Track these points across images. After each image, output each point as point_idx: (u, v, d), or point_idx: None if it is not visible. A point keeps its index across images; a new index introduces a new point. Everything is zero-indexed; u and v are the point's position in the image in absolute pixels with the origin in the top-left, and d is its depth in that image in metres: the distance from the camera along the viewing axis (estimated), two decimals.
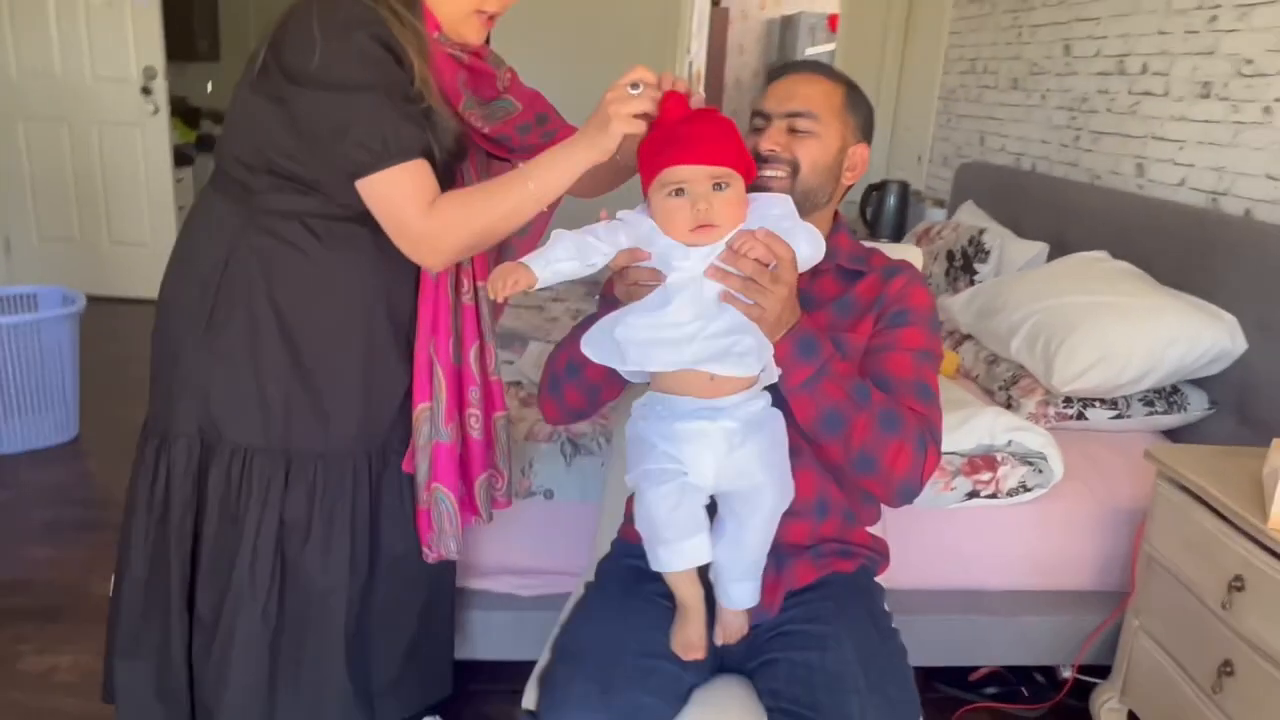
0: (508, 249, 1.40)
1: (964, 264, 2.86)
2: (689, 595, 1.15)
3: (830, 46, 7.19)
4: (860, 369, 1.22)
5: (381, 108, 1.13)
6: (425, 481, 1.35)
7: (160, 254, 4.50)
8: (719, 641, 1.19)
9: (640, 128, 1.09)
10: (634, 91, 1.07)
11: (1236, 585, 1.41)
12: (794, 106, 1.24)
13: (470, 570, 1.73)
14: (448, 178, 1.26)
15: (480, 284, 1.35)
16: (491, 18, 1.26)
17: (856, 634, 1.18)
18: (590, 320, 1.27)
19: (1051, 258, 2.68)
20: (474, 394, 1.36)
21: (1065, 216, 2.75)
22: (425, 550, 1.39)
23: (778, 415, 1.15)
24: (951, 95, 4.01)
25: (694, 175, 1.06)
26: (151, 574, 1.31)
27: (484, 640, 1.75)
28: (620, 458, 1.60)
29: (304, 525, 1.30)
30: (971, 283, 2.79)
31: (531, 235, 1.40)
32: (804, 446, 1.20)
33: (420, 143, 1.17)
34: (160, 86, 4.44)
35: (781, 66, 1.33)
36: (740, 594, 1.17)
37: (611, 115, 1.08)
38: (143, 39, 4.39)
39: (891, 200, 3.83)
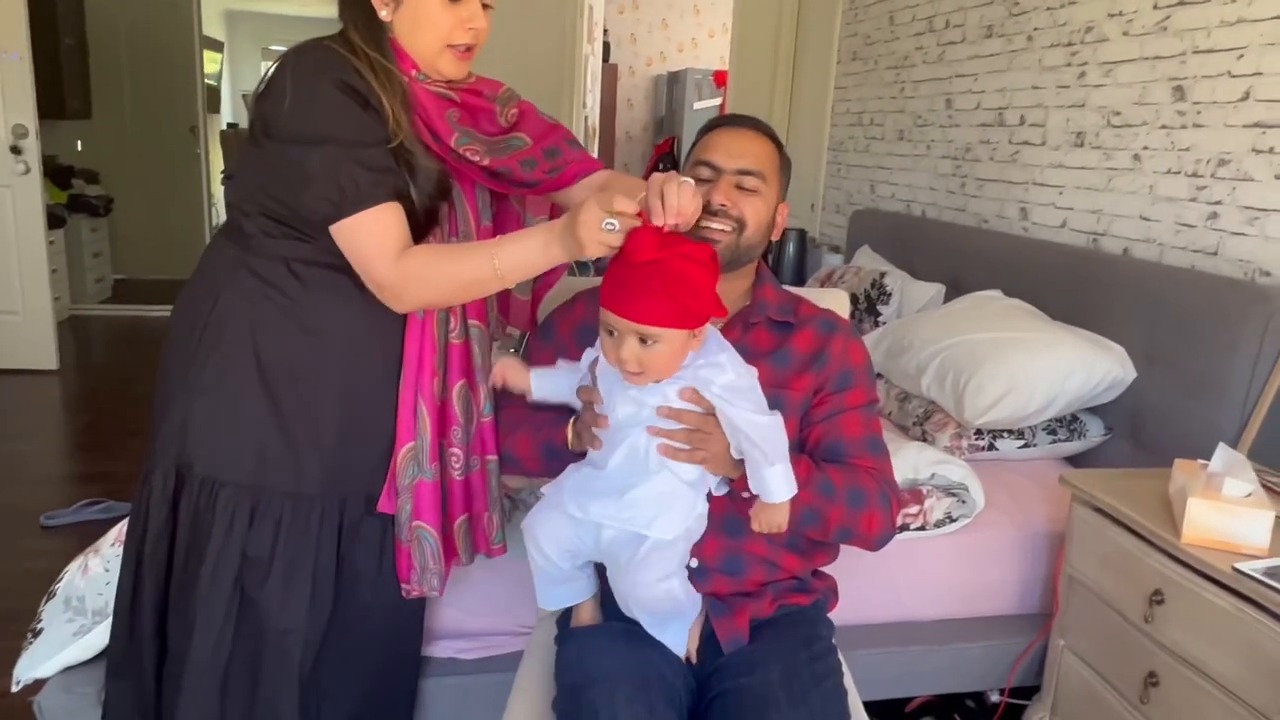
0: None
1: (868, 306, 2.98)
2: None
3: (716, 101, 7.45)
4: (810, 431, 1.29)
5: (339, 158, 1.15)
6: (408, 521, 1.33)
7: (34, 322, 4.36)
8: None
9: (611, 253, 1.10)
10: (608, 227, 1.07)
11: (1156, 599, 1.49)
12: (745, 164, 1.28)
13: None
14: (429, 217, 1.28)
15: (472, 322, 1.35)
16: (468, 50, 1.27)
17: (786, 657, 1.22)
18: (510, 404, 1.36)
19: (948, 297, 2.83)
20: (456, 433, 1.35)
21: (958, 258, 2.91)
22: (405, 588, 1.37)
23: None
24: (840, 146, 4.20)
25: (622, 326, 1.08)
26: (133, 599, 1.33)
27: (432, 710, 1.68)
28: None
29: (266, 563, 1.27)
30: (876, 324, 2.91)
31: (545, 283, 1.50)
32: None
33: (385, 188, 1.18)
34: (32, 145, 4.21)
35: (726, 119, 1.37)
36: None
37: (585, 241, 1.09)
38: (12, 96, 4.16)
39: (791, 248, 3.97)
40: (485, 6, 1.27)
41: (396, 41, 1.24)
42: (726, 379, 1.12)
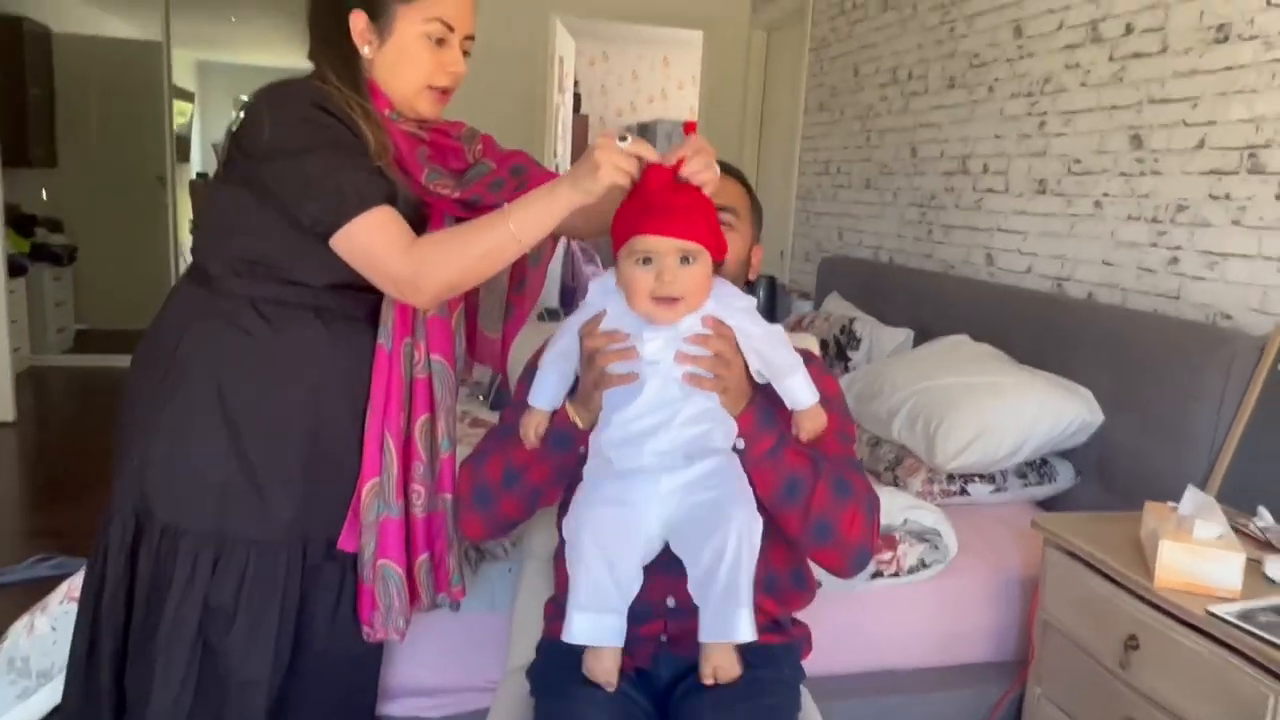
0: (508, 313, 1.48)
1: (838, 351, 2.99)
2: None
3: None
4: None
5: (334, 164, 1.16)
6: (371, 559, 1.30)
7: None
8: (706, 681, 1.13)
9: (626, 180, 1.10)
10: (622, 144, 1.08)
11: (1132, 644, 1.48)
12: (720, 201, 1.28)
13: None
14: None
15: (435, 357, 1.33)
16: (445, 91, 1.30)
17: (726, 687, 1.16)
18: (499, 430, 1.30)
19: (917, 342, 2.84)
20: (419, 469, 1.33)
21: (925, 304, 2.94)
22: (366, 630, 1.33)
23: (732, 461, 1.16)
24: (809, 195, 4.25)
25: (663, 247, 1.09)
26: (89, 650, 1.28)
27: None
28: (533, 560, 1.55)
29: (229, 613, 1.24)
30: (846, 369, 2.92)
31: (531, 290, 1.48)
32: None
33: (381, 190, 1.19)
34: None
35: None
36: (719, 622, 1.09)
37: (601, 161, 1.08)
38: None
39: (761, 294, 3.99)
40: (464, 51, 1.30)
41: (373, 80, 1.27)
42: (744, 303, 1.16)
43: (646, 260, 1.10)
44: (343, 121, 1.20)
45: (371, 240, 1.18)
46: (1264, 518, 1.65)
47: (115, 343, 5.76)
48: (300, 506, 1.27)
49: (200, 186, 8.14)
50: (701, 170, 1.10)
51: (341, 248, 1.19)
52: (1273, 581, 1.46)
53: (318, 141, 1.17)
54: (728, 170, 1.36)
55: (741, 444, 1.16)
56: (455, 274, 1.20)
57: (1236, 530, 1.57)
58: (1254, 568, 1.46)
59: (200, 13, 6.81)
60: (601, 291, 1.19)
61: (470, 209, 1.33)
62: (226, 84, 10.02)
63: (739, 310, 1.16)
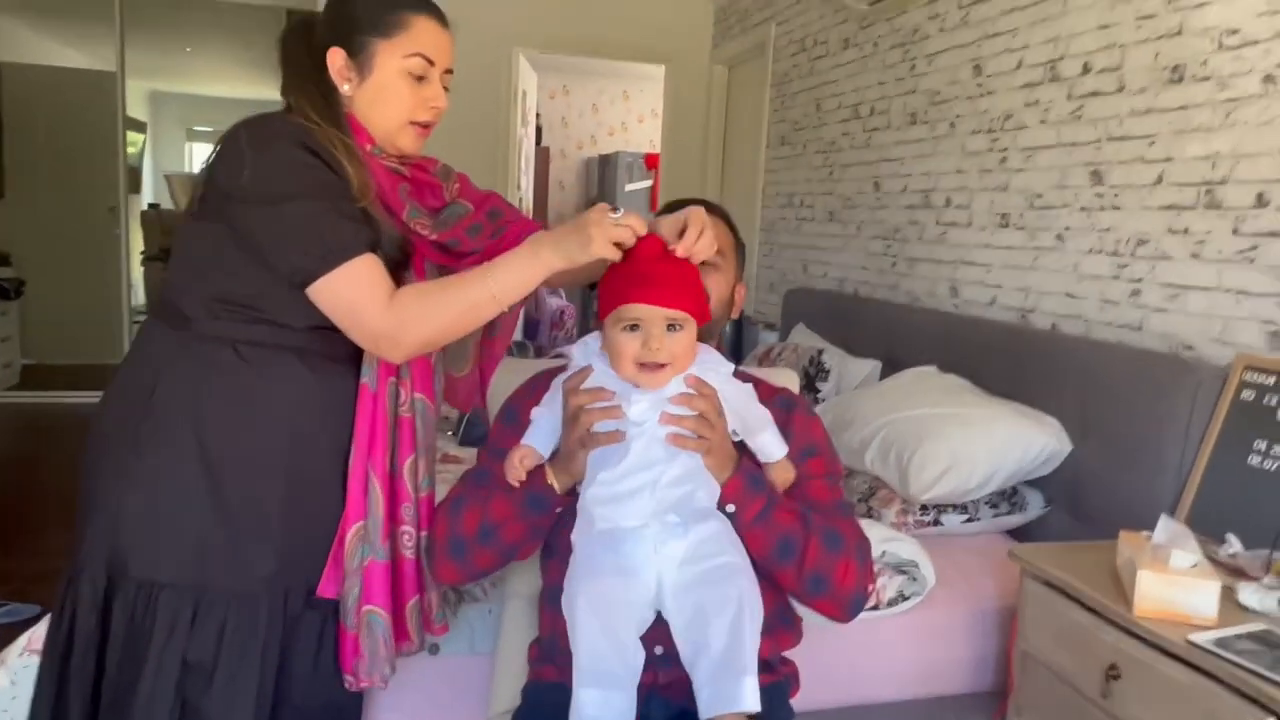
0: (464, 357, 1.45)
1: (807, 383, 3.00)
2: None
3: (648, 183, 7.59)
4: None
5: (316, 212, 1.14)
6: (355, 605, 1.26)
7: None
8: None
9: (617, 255, 1.12)
10: (614, 216, 1.10)
11: (1113, 674, 1.49)
12: None
13: None
14: (395, 282, 1.25)
15: (417, 395, 1.31)
16: (426, 126, 1.29)
17: None
18: (477, 477, 1.29)
19: (884, 373, 2.87)
20: (408, 510, 1.30)
21: (891, 335, 2.97)
22: (348, 679, 1.28)
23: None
24: (772, 227, 4.30)
25: (652, 315, 1.11)
26: (54, 716, 1.22)
27: None
28: (515, 600, 1.52)
29: (209, 668, 1.19)
30: (816, 400, 2.93)
31: (503, 334, 1.47)
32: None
33: (364, 238, 1.17)
34: None
35: (682, 201, 1.38)
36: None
37: (594, 236, 1.10)
38: None
39: (728, 325, 4.01)
40: (444, 86, 1.29)
41: (353, 116, 1.25)
42: (726, 368, 1.20)
43: (634, 327, 1.12)
44: (326, 162, 1.17)
45: (353, 292, 1.16)
46: (1233, 544, 1.68)
47: (64, 378, 5.60)
48: (281, 554, 1.24)
49: (152, 217, 8.00)
50: (703, 250, 1.15)
51: (321, 298, 1.17)
52: (1246, 608, 1.49)
53: (300, 187, 1.15)
54: (713, 210, 1.37)
55: (732, 508, 1.16)
56: (434, 331, 1.20)
57: (1209, 558, 1.60)
58: (1227, 594, 1.48)
59: (155, 43, 6.74)
60: (584, 354, 1.21)
61: (446, 252, 1.32)
62: (179, 114, 9.90)
63: (721, 375, 1.18)
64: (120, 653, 1.20)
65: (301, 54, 1.26)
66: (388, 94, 1.25)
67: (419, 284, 1.24)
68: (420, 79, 1.26)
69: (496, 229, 1.37)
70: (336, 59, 1.24)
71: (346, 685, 1.29)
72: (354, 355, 1.28)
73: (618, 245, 1.11)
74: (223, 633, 1.20)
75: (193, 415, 1.20)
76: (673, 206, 1.39)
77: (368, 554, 1.26)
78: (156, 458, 1.20)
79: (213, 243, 1.20)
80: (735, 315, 1.39)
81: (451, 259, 1.34)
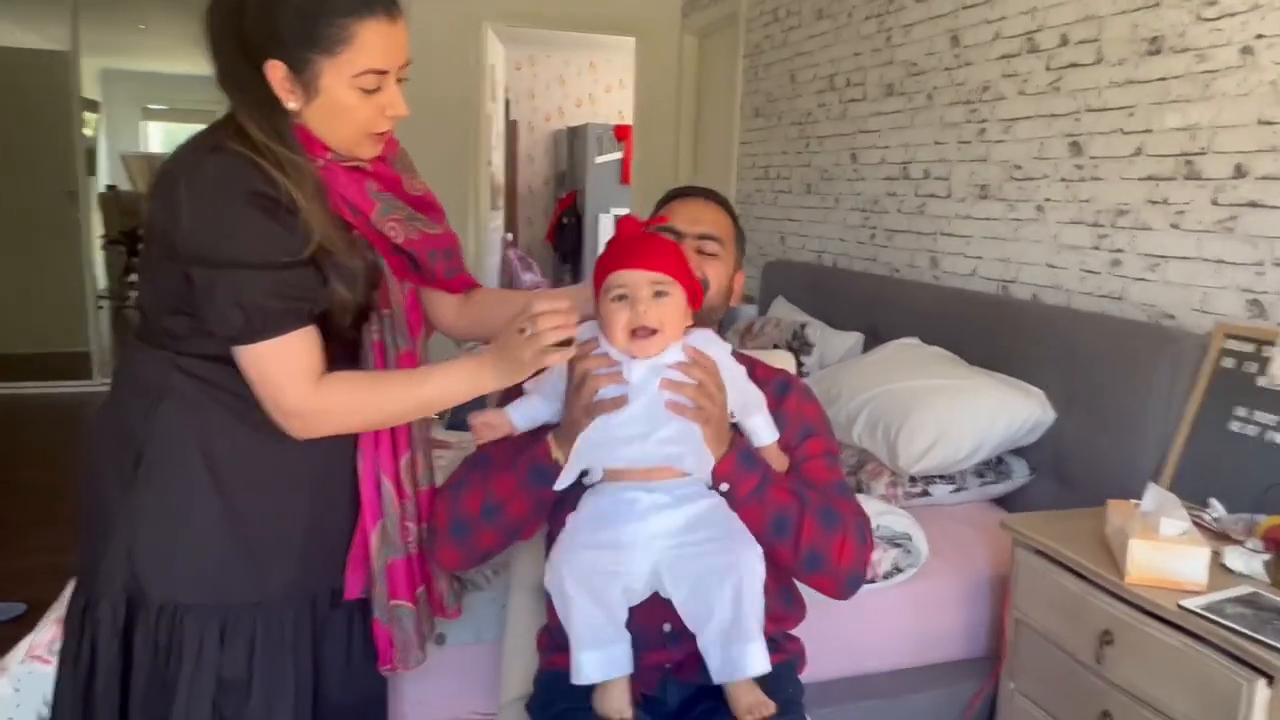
0: None
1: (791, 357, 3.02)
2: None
3: (618, 155, 7.55)
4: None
5: (253, 281, 1.09)
6: (385, 602, 1.28)
7: None
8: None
9: (557, 356, 1.12)
10: (527, 333, 1.10)
11: (1106, 639, 1.53)
12: (704, 229, 1.30)
13: None
14: (358, 317, 1.23)
15: None
16: (384, 133, 1.22)
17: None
18: (477, 460, 1.29)
19: (867, 346, 2.90)
20: (408, 507, 1.30)
21: (872, 307, 3.00)
22: (386, 668, 1.30)
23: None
24: (749, 199, 4.30)
25: (636, 279, 1.14)
26: None
27: None
28: (521, 589, 1.53)
29: (244, 684, 1.19)
30: (800, 375, 2.95)
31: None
32: None
33: (295, 315, 1.12)
34: None
35: (684, 189, 1.39)
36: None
37: (524, 360, 1.11)
38: None
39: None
40: (399, 80, 1.18)
41: (304, 129, 1.15)
42: (726, 348, 1.22)
43: (622, 296, 1.14)
44: (273, 202, 1.08)
45: (277, 368, 1.12)
46: (1216, 509, 1.73)
47: (20, 368, 5.48)
48: (301, 563, 1.23)
49: (110, 199, 7.81)
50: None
51: (244, 362, 1.12)
52: (1232, 571, 1.53)
53: (239, 253, 1.08)
54: (711, 196, 1.37)
55: (726, 486, 1.18)
56: (353, 426, 1.20)
57: (1196, 524, 1.65)
58: (1212, 558, 1.53)
59: (107, 21, 6.53)
60: (586, 335, 1.21)
61: (413, 267, 1.29)
62: (133, 92, 9.65)
63: (721, 353, 1.21)
64: (147, 677, 1.18)
65: (240, 65, 1.12)
66: (340, 112, 1.14)
67: (349, 373, 1.19)
68: (374, 91, 1.14)
69: (450, 269, 1.35)
70: (276, 72, 1.11)
71: (384, 673, 1.32)
72: (350, 357, 1.26)
73: (559, 344, 1.10)
74: (253, 646, 1.19)
75: (197, 438, 1.17)
76: (671, 196, 1.39)
77: (389, 553, 1.27)
78: (164, 482, 1.17)
79: (175, 284, 1.13)
80: (734, 304, 1.39)
81: (406, 272, 1.29)
